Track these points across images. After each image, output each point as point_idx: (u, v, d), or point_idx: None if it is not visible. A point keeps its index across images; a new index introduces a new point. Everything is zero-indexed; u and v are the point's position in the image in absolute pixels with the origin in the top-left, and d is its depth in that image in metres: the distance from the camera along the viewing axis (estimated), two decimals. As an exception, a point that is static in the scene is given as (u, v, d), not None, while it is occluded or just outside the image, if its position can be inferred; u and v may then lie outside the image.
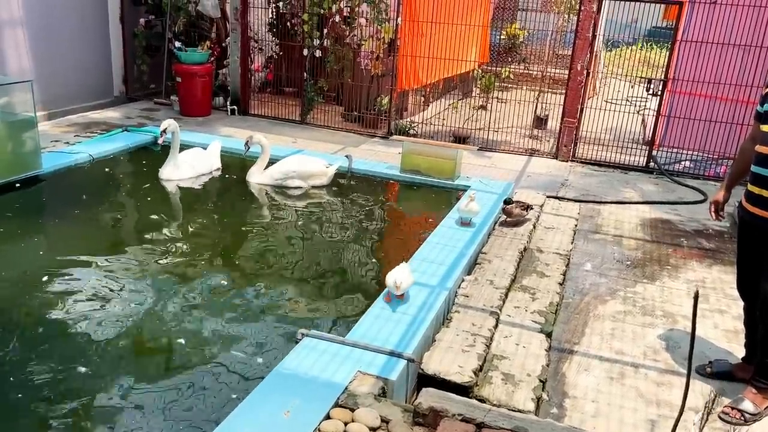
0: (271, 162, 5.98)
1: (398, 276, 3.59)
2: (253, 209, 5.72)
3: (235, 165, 6.43)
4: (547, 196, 6.09)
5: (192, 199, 5.73)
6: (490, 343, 3.55)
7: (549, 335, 3.72)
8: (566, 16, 9.11)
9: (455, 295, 3.99)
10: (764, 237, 3.11)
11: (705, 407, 1.76)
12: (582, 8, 7.17)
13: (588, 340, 3.84)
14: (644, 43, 13.63)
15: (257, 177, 5.90)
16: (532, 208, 5.31)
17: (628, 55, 12.63)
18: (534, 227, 5.27)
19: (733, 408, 3.16)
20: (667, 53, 7.32)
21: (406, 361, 3.11)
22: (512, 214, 5.10)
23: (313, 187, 5.89)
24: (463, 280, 4.19)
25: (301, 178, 5.86)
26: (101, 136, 6.83)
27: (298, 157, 6.04)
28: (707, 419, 1.79)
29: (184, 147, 6.19)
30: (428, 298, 3.74)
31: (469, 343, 3.46)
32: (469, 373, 3.19)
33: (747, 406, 3.14)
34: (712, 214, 3.54)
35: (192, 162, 5.94)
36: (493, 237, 4.96)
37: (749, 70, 6.76)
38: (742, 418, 3.12)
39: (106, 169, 5.99)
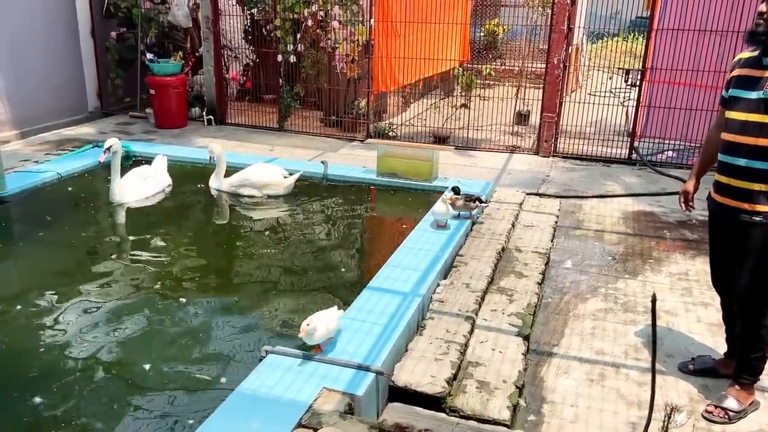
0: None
1: (313, 320, 3.05)
2: (218, 223, 5.62)
3: (197, 177, 6.30)
4: (527, 193, 5.97)
5: (153, 217, 5.52)
6: (465, 350, 3.43)
7: (526, 338, 3.60)
8: (541, 9, 9.00)
9: (430, 301, 3.86)
10: (735, 228, 3.00)
11: (663, 422, 1.64)
12: (556, 1, 7.07)
13: (567, 341, 3.72)
14: (628, 34, 13.56)
15: (216, 184, 5.91)
16: (483, 202, 5.18)
17: (612, 47, 12.56)
18: (513, 226, 5.15)
19: (716, 406, 3.05)
20: (644, 42, 7.22)
21: (374, 374, 2.99)
22: (455, 205, 4.95)
23: (269, 196, 5.76)
24: (438, 285, 4.06)
25: (255, 187, 5.76)
26: (70, 153, 6.68)
27: (256, 166, 5.90)
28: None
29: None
30: (400, 306, 3.61)
31: (442, 351, 3.33)
32: (442, 383, 3.06)
33: (731, 403, 3.03)
34: (682, 204, 3.44)
35: (146, 180, 5.71)
36: (470, 238, 4.83)
37: (727, 56, 6.66)
38: (726, 416, 3.00)
39: (74, 188, 5.84)
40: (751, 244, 2.94)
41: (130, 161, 6.47)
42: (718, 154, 3.11)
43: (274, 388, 2.83)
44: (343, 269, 4.55)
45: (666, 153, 7.32)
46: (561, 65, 7.25)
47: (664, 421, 1.61)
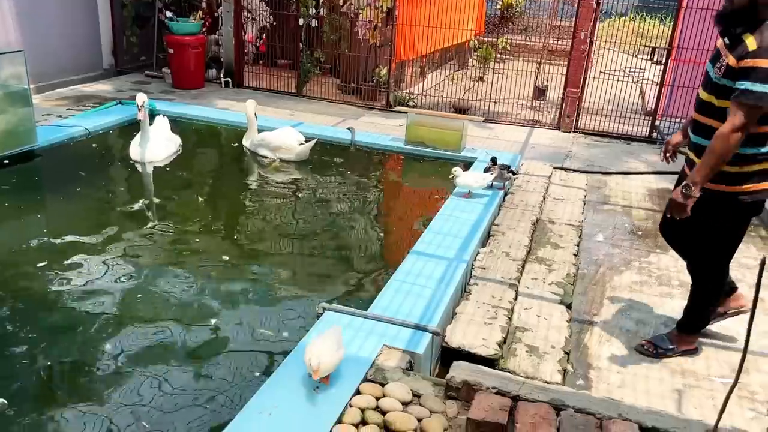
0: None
1: (316, 355, 2.47)
2: (251, 184, 5.62)
3: (223, 138, 6.29)
4: (554, 167, 6.02)
5: (180, 176, 5.51)
6: (511, 315, 3.50)
7: (569, 306, 3.68)
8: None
9: (472, 268, 3.92)
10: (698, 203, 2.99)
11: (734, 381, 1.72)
12: (585, -25, 7.04)
13: (607, 310, 3.80)
14: (637, 14, 13.52)
15: (247, 142, 6.08)
16: (515, 174, 5.34)
17: (621, 26, 12.51)
18: (544, 198, 5.21)
19: (648, 341, 3.36)
20: (672, 21, 7.21)
21: (431, 334, 3.05)
22: (493, 171, 5.02)
23: (282, 160, 5.81)
24: (478, 253, 4.12)
25: (268, 148, 5.85)
26: (95, 110, 6.63)
27: (280, 129, 5.91)
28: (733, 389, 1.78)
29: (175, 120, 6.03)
30: (447, 271, 3.67)
31: (490, 316, 3.40)
32: (494, 346, 3.14)
33: (661, 341, 3.32)
34: (662, 154, 3.53)
35: (166, 140, 5.70)
36: (504, 209, 4.89)
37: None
38: (654, 351, 3.30)
39: (102, 144, 5.84)
40: (697, 211, 2.98)
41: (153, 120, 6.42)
42: None
43: (336, 344, 2.88)
44: (382, 234, 4.60)
45: (686, 133, 7.36)
46: (587, 40, 7.24)
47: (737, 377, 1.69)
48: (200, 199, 4.93)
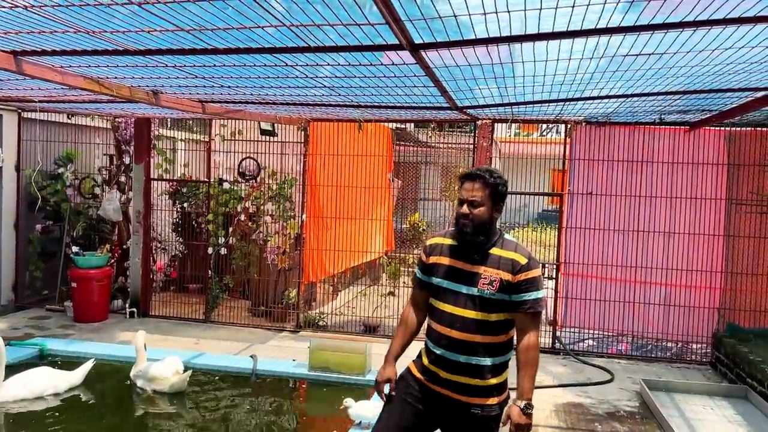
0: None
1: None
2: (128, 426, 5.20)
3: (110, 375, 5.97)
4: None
5: (47, 417, 5.10)
6: None
7: None
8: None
9: None
10: (458, 418, 2.97)
11: None
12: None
13: None
14: (537, 224, 14.74)
15: (133, 373, 5.73)
16: None
17: (523, 237, 13.52)
18: (449, 423, 5.08)
19: None
20: (556, 239, 7.86)
21: None
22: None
23: (155, 391, 5.55)
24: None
25: (145, 379, 5.61)
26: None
27: (165, 359, 5.70)
28: None
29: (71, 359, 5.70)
30: None
31: None
32: None
33: None
34: (383, 395, 3.21)
35: (25, 381, 5.33)
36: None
37: (629, 253, 7.34)
38: None
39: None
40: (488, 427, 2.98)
41: (45, 361, 6.07)
42: (427, 341, 3.07)
43: None
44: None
45: (586, 341, 7.64)
46: (482, 258, 7.68)
47: None
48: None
